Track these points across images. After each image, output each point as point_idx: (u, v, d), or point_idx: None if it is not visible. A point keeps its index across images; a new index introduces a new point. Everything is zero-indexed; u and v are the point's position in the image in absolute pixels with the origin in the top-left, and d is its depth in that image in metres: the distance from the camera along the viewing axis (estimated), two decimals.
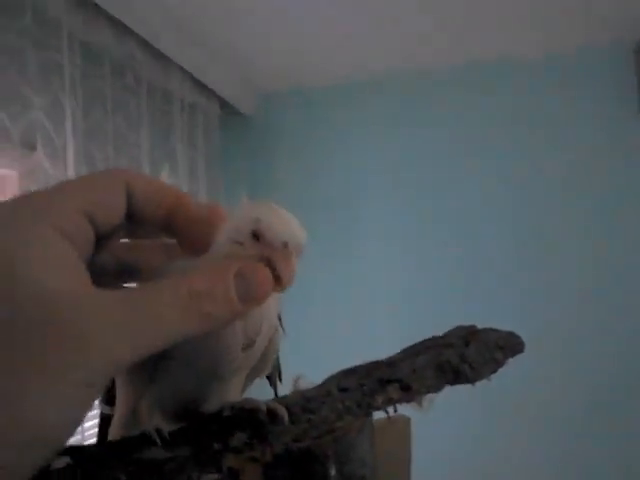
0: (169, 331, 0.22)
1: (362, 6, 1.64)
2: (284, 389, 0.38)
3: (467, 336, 0.39)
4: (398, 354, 0.39)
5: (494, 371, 0.36)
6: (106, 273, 0.28)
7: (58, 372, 0.20)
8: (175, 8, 1.59)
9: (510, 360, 0.38)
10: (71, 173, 1.35)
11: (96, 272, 0.24)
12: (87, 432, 1.39)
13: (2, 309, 0.20)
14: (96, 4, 1.40)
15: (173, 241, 0.29)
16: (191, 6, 1.60)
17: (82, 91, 1.38)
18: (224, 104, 2.06)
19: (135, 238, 0.30)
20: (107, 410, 0.32)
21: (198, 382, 0.28)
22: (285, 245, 0.26)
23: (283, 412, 0.28)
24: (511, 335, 0.39)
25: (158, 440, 0.24)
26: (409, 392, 0.32)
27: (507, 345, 0.38)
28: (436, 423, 1.07)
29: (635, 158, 1.90)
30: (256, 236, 0.27)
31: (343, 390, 0.31)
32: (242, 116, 2.17)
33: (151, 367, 0.27)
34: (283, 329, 0.32)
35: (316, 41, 1.84)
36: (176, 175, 1.80)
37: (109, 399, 0.30)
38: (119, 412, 0.29)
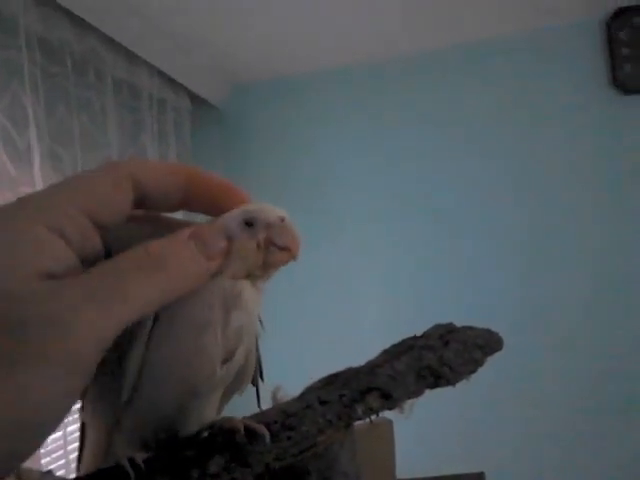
0: (133, 293, 0.22)
1: None
2: (264, 395, 0.37)
3: (445, 335, 0.39)
4: (377, 358, 0.38)
5: (474, 371, 0.36)
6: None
7: (39, 356, 0.20)
8: (137, 2, 1.55)
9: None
10: (37, 175, 1.31)
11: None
12: (70, 436, 1.38)
13: None
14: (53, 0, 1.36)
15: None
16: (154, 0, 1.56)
17: (44, 90, 1.35)
18: (194, 97, 2.02)
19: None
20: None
21: (176, 400, 0.27)
22: (282, 219, 0.27)
23: (264, 431, 0.27)
24: (489, 333, 0.39)
25: (132, 473, 0.23)
26: (389, 400, 0.32)
27: (486, 344, 0.38)
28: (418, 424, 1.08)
29: (609, 130, 1.92)
30: (249, 223, 0.27)
31: (323, 403, 0.31)
32: (214, 108, 2.14)
33: (127, 384, 0.26)
34: (262, 326, 0.32)
35: (288, 29, 1.81)
36: None
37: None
38: (91, 441, 0.28)
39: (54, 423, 0.21)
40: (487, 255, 1.97)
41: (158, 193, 0.26)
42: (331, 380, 0.35)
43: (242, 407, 0.37)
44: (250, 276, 0.27)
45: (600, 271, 1.90)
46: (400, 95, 2.06)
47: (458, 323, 0.42)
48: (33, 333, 0.20)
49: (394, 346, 0.41)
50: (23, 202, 0.23)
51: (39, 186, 1.32)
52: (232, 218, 0.27)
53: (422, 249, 2.01)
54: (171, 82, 1.89)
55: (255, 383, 0.35)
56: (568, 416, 1.88)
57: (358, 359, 0.39)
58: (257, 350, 0.32)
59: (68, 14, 1.42)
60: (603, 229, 1.91)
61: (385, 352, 0.40)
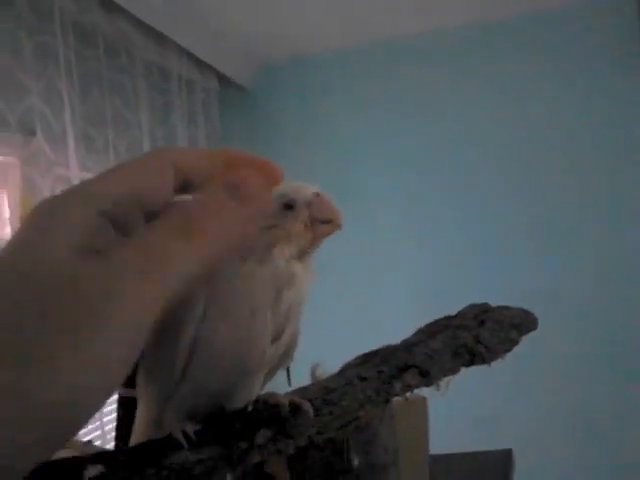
0: (177, 260, 0.22)
1: None
2: (302, 376, 0.39)
3: (480, 315, 0.40)
4: (413, 336, 0.39)
5: (509, 350, 0.37)
6: None
7: (88, 332, 0.21)
8: None
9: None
10: (72, 157, 1.34)
11: None
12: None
13: (31, 278, 0.21)
14: None
15: None
16: None
17: (78, 74, 1.37)
18: (222, 78, 2.03)
19: None
20: (124, 392, 0.33)
21: (227, 377, 0.28)
22: (317, 195, 0.29)
23: (307, 406, 0.28)
24: (524, 312, 0.40)
25: (185, 443, 0.25)
26: (427, 377, 0.32)
27: (521, 323, 0.38)
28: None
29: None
30: (288, 206, 0.28)
31: (362, 379, 0.32)
32: (241, 89, 2.15)
33: (179, 362, 0.27)
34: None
35: (312, 7, 1.80)
36: None
37: (126, 381, 0.31)
38: (143, 413, 0.29)
39: (104, 395, 0.22)
40: (514, 240, 1.95)
41: (200, 178, 0.27)
42: (369, 357, 0.36)
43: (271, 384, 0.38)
44: (301, 254, 0.28)
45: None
46: (423, 73, 2.03)
47: (484, 299, 0.43)
48: (82, 303, 0.21)
49: (429, 325, 0.41)
50: (73, 190, 0.24)
51: (73, 167, 1.35)
52: (272, 204, 0.27)
53: (448, 232, 2.00)
54: (199, 64, 1.90)
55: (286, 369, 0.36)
56: (593, 393, 1.88)
57: (385, 337, 0.39)
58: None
59: None
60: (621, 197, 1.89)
61: (420, 331, 0.40)
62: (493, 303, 0.43)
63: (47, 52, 1.27)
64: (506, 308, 0.40)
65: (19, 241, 0.22)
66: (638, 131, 1.89)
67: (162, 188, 0.25)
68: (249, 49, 2.07)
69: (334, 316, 1.98)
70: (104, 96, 1.47)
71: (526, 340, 0.38)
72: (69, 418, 0.21)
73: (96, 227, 0.23)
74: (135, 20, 1.56)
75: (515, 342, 0.37)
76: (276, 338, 0.29)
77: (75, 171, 1.33)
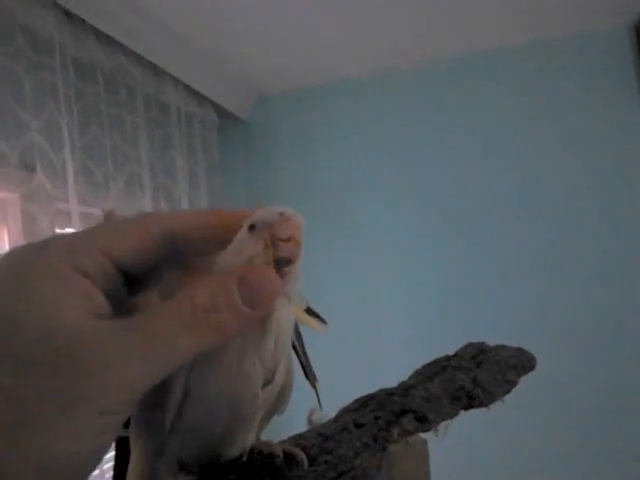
0: (180, 352, 0.23)
1: (356, 6, 1.63)
2: (299, 418, 0.38)
3: (478, 356, 0.39)
4: (410, 379, 0.38)
5: (508, 392, 0.36)
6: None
7: (71, 402, 0.20)
8: (163, 17, 1.59)
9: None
10: (72, 192, 1.35)
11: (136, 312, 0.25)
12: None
13: (12, 342, 0.21)
14: (84, 20, 1.40)
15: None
16: (179, 14, 1.59)
17: (77, 109, 1.38)
18: (221, 110, 2.06)
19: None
20: (122, 432, 0.32)
21: (220, 426, 0.28)
22: (280, 214, 0.27)
23: (302, 456, 0.28)
24: (521, 352, 0.39)
25: None
26: (425, 422, 0.32)
27: (519, 363, 0.38)
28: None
29: (636, 138, 1.89)
30: (252, 227, 0.27)
31: (359, 425, 0.31)
32: (239, 121, 2.17)
33: (168, 417, 0.27)
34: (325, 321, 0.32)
35: (310, 41, 1.83)
36: (175, 186, 1.80)
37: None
38: (135, 465, 0.29)
39: (90, 467, 0.22)
40: (513, 268, 1.95)
41: (189, 238, 0.27)
42: (365, 402, 0.36)
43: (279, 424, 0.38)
44: None
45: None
46: (420, 104, 2.05)
47: (481, 334, 0.42)
48: (82, 373, 0.20)
49: (426, 366, 0.41)
50: (47, 242, 0.24)
51: (73, 202, 1.35)
52: (243, 229, 0.27)
53: (445, 259, 2.00)
54: (197, 97, 1.93)
55: (312, 384, 0.35)
56: (601, 434, 1.84)
57: (383, 373, 0.39)
58: (304, 351, 0.32)
59: (97, 33, 1.45)
60: (622, 237, 1.88)
61: (417, 372, 0.40)
62: (497, 339, 0.42)
63: (46, 88, 1.29)
64: (503, 347, 0.40)
65: (14, 297, 0.22)
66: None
67: (143, 250, 0.26)
68: (247, 81, 2.10)
69: (333, 352, 1.97)
70: (103, 131, 1.49)
71: (529, 381, 0.38)
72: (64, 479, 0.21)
73: (78, 283, 0.23)
74: (134, 55, 1.58)
75: (514, 383, 0.36)
76: (268, 381, 0.28)
77: (75, 205, 1.34)
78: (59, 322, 0.21)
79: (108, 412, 0.21)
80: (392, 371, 0.41)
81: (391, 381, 0.38)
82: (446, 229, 2.00)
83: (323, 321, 0.37)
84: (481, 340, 0.44)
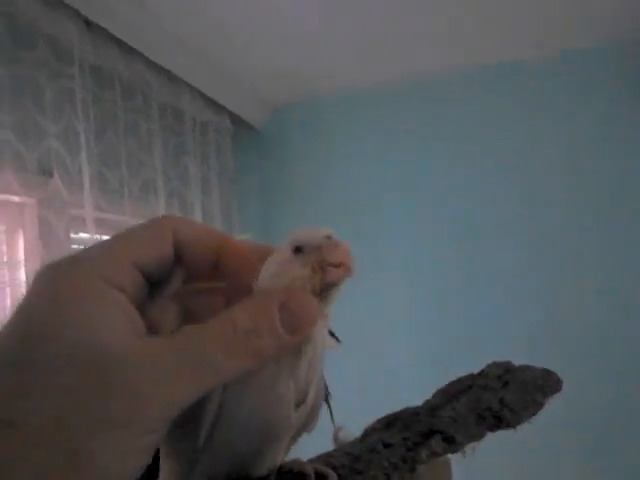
0: (219, 372, 0.23)
1: (370, 15, 1.64)
2: (324, 438, 0.38)
3: (504, 375, 0.39)
4: (435, 398, 0.38)
5: (534, 413, 0.36)
6: (168, 322, 0.28)
7: (118, 424, 0.20)
8: (180, 28, 1.60)
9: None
10: (87, 197, 1.36)
11: (155, 322, 0.25)
12: None
13: (58, 368, 0.20)
14: (104, 28, 1.41)
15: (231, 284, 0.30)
16: (195, 25, 1.61)
17: (94, 115, 1.40)
18: (235, 119, 2.06)
19: (192, 281, 0.30)
20: None
21: (252, 445, 0.27)
22: (328, 237, 0.26)
23: (333, 476, 0.28)
24: (547, 373, 0.39)
25: None
26: (453, 444, 0.32)
27: (546, 384, 0.38)
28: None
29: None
30: (298, 249, 0.26)
31: (387, 446, 0.31)
32: (254, 130, 2.18)
33: (201, 435, 0.27)
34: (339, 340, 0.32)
35: (325, 49, 1.84)
36: (189, 193, 1.81)
37: None
38: None
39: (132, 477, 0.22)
40: (523, 284, 1.94)
41: (194, 250, 0.27)
42: (391, 421, 0.36)
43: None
44: None
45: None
46: (444, 117, 2.05)
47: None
48: (132, 394, 0.21)
49: (450, 384, 0.41)
50: (78, 257, 0.24)
51: (88, 207, 1.36)
52: (284, 247, 0.27)
53: (454, 270, 1.99)
54: (212, 105, 1.94)
55: (325, 400, 0.35)
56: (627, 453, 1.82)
57: (400, 388, 0.39)
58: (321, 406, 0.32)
59: (117, 41, 1.47)
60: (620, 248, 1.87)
61: (442, 391, 0.40)
62: (516, 357, 0.42)
63: (65, 94, 1.30)
64: (528, 368, 0.40)
65: (52, 316, 0.21)
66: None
67: (162, 255, 0.26)
68: (262, 90, 2.11)
69: (348, 367, 1.96)
70: (119, 137, 1.50)
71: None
72: None
73: (114, 300, 0.23)
74: (151, 64, 1.60)
75: (541, 405, 0.36)
76: (301, 401, 0.28)
77: (90, 211, 1.34)
78: (105, 344, 0.21)
79: (152, 431, 0.21)
80: (408, 384, 0.41)
81: (408, 392, 0.38)
82: (459, 243, 2.00)
83: (337, 339, 0.37)
84: (502, 358, 0.44)
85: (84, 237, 1.41)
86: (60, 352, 0.21)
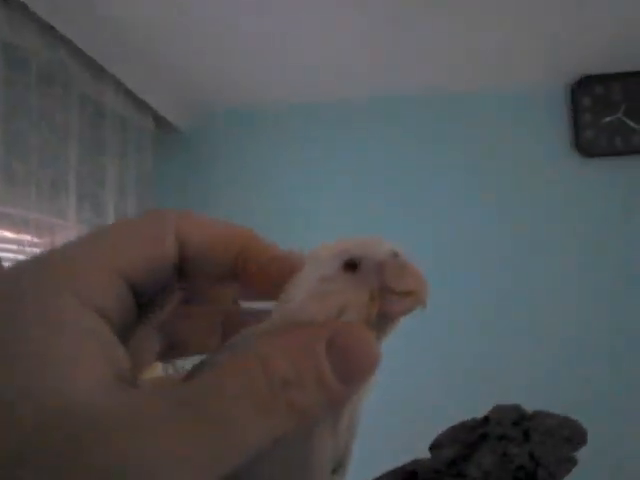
0: (253, 443, 0.15)
1: (304, 24, 1.60)
2: None
3: (521, 422, 0.34)
4: (447, 449, 0.33)
5: (569, 471, 0.31)
6: (150, 349, 0.21)
7: None
8: (113, 17, 1.48)
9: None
10: None
11: (138, 348, 0.19)
12: None
13: (7, 431, 0.13)
14: (24, 3, 1.27)
15: (232, 307, 0.24)
16: (129, 17, 1.49)
17: (4, 98, 1.24)
18: (159, 119, 1.95)
19: (187, 292, 0.23)
20: None
21: None
22: (395, 254, 0.20)
23: None
24: (571, 421, 0.34)
25: None
26: None
27: (572, 436, 0.33)
28: None
29: (570, 193, 1.97)
30: (351, 266, 0.20)
31: None
32: (177, 132, 2.07)
33: None
34: None
35: (258, 60, 1.78)
36: (103, 192, 1.67)
37: None
38: None
39: None
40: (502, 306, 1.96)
41: (203, 255, 0.20)
42: (406, 477, 0.29)
43: None
44: None
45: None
46: (364, 133, 2.05)
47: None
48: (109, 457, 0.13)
49: (456, 430, 0.35)
50: (47, 265, 0.16)
51: None
52: (331, 257, 0.20)
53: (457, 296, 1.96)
54: (138, 102, 1.81)
55: None
56: None
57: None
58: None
59: (38, 21, 1.33)
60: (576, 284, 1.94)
61: (452, 440, 0.34)
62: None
63: None
64: (547, 415, 0.35)
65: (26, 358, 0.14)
66: None
67: (160, 261, 0.19)
68: (190, 93, 2.01)
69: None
70: (31, 124, 1.35)
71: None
72: None
73: (109, 336, 0.16)
74: (75, 48, 1.46)
75: (575, 462, 0.31)
76: (338, 465, 0.21)
77: None
78: (71, 399, 0.14)
79: None
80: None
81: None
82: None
83: None
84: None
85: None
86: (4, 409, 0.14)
